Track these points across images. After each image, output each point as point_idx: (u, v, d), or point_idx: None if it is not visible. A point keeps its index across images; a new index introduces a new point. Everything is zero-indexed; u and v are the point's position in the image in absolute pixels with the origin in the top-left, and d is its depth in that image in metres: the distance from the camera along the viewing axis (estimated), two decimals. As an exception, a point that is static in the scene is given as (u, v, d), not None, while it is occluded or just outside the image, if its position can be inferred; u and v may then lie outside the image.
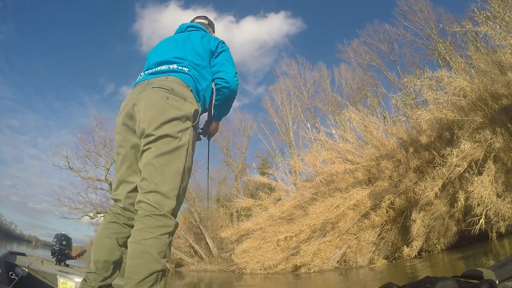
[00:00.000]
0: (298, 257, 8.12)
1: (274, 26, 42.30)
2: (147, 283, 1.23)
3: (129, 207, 1.57)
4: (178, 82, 1.56)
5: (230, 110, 1.95)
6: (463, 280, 0.98)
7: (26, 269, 2.68)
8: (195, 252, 19.55)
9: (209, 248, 19.01)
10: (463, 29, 8.24)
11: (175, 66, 1.65)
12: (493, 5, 8.76)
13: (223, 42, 1.89)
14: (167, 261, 1.32)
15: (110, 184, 18.87)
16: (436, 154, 5.72)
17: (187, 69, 1.64)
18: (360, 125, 8.70)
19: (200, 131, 1.84)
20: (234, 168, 21.06)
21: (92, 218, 19.66)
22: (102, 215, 18.93)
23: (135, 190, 1.52)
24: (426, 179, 6.53)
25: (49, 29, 55.22)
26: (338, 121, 10.31)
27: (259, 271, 9.59)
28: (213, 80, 1.77)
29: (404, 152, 7.54)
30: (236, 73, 1.80)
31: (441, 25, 10.16)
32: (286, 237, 9.04)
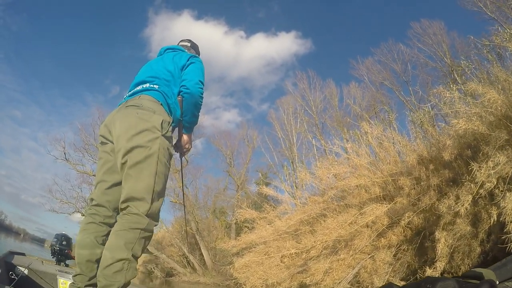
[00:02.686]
0: (306, 275, 7.64)
1: (283, 45, 42.93)
2: (112, 269, 1.38)
3: (104, 203, 1.73)
4: (148, 99, 1.74)
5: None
6: (463, 280, 0.99)
7: (26, 269, 2.64)
8: (188, 262, 18.86)
9: (204, 259, 18.33)
10: (491, 44, 8.10)
11: (147, 85, 1.83)
12: (508, 30, 8.73)
13: (195, 56, 2.04)
14: (136, 256, 1.46)
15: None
16: (474, 165, 5.47)
17: (158, 86, 1.81)
18: (376, 140, 8.38)
19: (173, 147, 1.91)
20: (236, 179, 20.59)
21: (84, 215, 18.59)
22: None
23: (111, 187, 1.73)
24: (449, 196, 6.21)
25: (60, 25, 55.68)
26: (353, 135, 10.02)
27: (260, 288, 9.05)
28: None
29: (425, 169, 7.20)
30: (200, 81, 1.89)
31: (472, 37, 10.13)
32: (292, 253, 8.59)
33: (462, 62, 9.27)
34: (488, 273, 1.01)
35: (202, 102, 1.92)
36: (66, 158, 18.53)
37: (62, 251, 3.37)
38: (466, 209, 5.51)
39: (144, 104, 1.69)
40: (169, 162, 1.74)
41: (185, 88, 1.84)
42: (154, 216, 1.58)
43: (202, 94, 1.88)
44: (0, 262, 2.60)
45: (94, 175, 18.61)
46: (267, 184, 16.38)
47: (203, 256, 18.24)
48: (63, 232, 3.62)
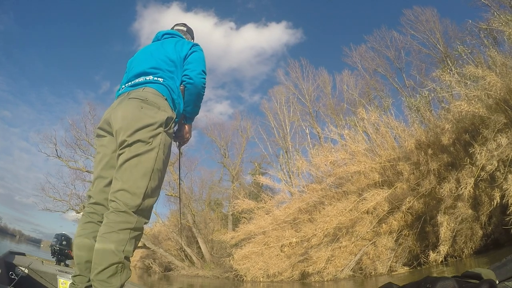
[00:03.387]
0: (308, 264, 7.63)
1: (274, 35, 42.44)
2: (106, 274, 1.35)
3: (102, 202, 1.64)
4: (153, 92, 1.67)
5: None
6: (463, 280, 0.99)
7: (26, 269, 2.63)
8: (186, 255, 18.79)
9: (202, 252, 18.27)
10: (488, 28, 8.06)
11: (151, 77, 1.75)
12: (502, 16, 8.70)
13: (196, 45, 1.97)
14: (128, 256, 1.42)
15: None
16: (476, 147, 5.50)
17: (162, 79, 1.74)
18: (373, 126, 8.33)
19: (173, 135, 1.87)
20: (231, 170, 20.47)
21: (78, 213, 17.72)
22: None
23: (109, 184, 1.63)
24: (449, 180, 6.22)
25: (48, 22, 54.53)
26: (348, 122, 9.98)
27: (261, 279, 9.03)
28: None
29: (423, 154, 7.19)
30: (202, 71, 1.85)
31: (470, 21, 10.11)
32: (292, 242, 8.57)
33: (458, 47, 9.26)
34: (488, 273, 1.01)
35: (204, 92, 1.89)
36: (58, 155, 18.02)
37: (62, 251, 3.35)
38: (469, 192, 5.52)
39: (149, 98, 1.63)
40: (168, 160, 1.71)
41: (187, 78, 1.79)
42: (144, 214, 1.53)
43: (204, 84, 1.86)
44: (0, 262, 2.59)
45: (87, 171, 18.36)
46: (262, 174, 16.31)
47: (200, 249, 18.16)
48: (63, 232, 3.58)
